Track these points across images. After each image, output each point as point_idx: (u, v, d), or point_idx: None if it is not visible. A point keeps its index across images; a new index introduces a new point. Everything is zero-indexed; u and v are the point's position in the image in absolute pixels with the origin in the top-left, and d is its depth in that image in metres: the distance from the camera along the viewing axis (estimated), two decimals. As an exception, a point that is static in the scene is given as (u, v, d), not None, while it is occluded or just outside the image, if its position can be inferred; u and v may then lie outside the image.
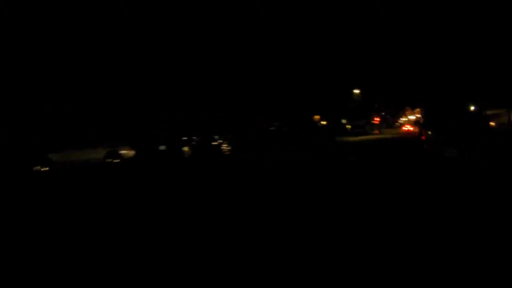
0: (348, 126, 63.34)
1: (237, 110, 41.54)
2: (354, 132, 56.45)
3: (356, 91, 52.23)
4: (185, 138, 30.69)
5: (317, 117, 63.20)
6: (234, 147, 31.26)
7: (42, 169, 20.22)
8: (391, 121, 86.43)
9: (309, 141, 36.03)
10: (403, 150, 22.05)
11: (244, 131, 36.83)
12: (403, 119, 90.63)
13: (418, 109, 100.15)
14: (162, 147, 28.69)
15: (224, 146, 31.77)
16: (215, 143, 31.05)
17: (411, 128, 65.79)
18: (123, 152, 25.79)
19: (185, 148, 29.47)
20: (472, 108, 39.86)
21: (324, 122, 61.71)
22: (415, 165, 14.98)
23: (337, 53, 52.95)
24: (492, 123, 41.57)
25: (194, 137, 31.53)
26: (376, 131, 62.86)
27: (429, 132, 20.91)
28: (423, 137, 21.66)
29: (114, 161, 24.68)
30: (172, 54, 36.83)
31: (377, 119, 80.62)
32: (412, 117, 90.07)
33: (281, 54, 46.97)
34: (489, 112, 42.31)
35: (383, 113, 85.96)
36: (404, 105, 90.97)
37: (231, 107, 40.68)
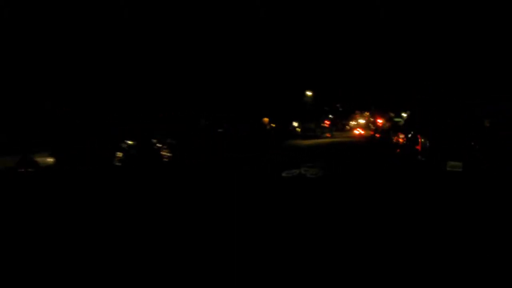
0: (298, 129, 61.55)
1: (179, 110, 38.06)
2: (305, 135, 54.42)
3: (309, 93, 50.08)
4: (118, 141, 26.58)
5: (266, 119, 60.90)
6: (175, 153, 27.32)
7: None
8: (340, 124, 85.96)
9: (256, 145, 33.06)
10: (375, 160, 20.03)
11: (188, 133, 33.21)
12: (353, 122, 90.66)
13: (367, 113, 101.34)
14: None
15: (164, 152, 27.65)
16: (155, 147, 27.07)
17: (363, 132, 66.08)
18: (39, 159, 21.52)
19: (118, 154, 25.41)
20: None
21: (273, 125, 59.52)
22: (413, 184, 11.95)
23: (288, 54, 50.97)
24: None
25: (129, 141, 27.48)
26: (328, 134, 61.32)
27: (422, 140, 17.56)
28: (418, 147, 18.32)
29: (28, 170, 20.44)
30: (103, 49, 32.94)
31: (327, 122, 79.82)
32: (361, 121, 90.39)
33: (230, 53, 44.18)
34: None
35: (331, 116, 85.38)
36: (354, 109, 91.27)
37: (173, 106, 37.24)
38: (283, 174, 11.73)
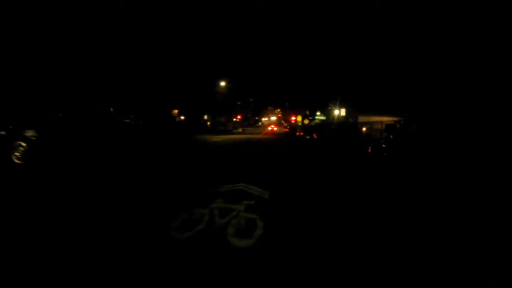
0: (209, 123, 55.97)
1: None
2: (215, 130, 48.77)
3: (222, 83, 44.19)
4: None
5: (175, 111, 54.39)
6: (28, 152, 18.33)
7: None
8: (253, 119, 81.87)
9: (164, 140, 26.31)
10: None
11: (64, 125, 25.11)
12: (265, 118, 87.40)
13: (278, 109, 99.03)
14: None
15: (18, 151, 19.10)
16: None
17: (276, 128, 63.26)
18: None
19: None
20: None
21: (182, 117, 53.18)
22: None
23: (201, 42, 45.09)
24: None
25: None
26: (240, 129, 56.39)
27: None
28: None
29: None
30: None
31: (239, 117, 75.30)
32: (273, 118, 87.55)
33: (141, 39, 37.10)
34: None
35: (244, 111, 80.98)
36: (267, 104, 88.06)
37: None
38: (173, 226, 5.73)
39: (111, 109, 43.35)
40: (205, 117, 50.57)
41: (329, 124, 47.02)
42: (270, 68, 77.96)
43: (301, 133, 40.50)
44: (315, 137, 37.34)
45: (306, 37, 74.53)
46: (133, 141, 20.89)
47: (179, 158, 15.12)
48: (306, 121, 52.33)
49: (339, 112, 50.22)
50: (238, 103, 75.82)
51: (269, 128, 62.91)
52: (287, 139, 38.86)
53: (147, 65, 38.13)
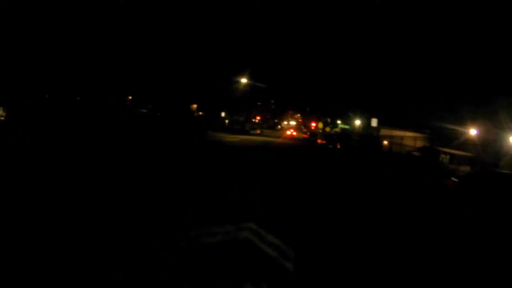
0: (226, 121, 54.87)
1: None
2: (232, 129, 47.67)
3: (243, 80, 42.97)
4: None
5: (194, 106, 53.63)
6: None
7: None
8: (272, 122, 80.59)
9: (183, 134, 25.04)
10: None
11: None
12: (285, 122, 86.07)
13: (298, 114, 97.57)
14: None
15: None
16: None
17: (295, 133, 61.96)
18: None
19: None
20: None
21: (201, 113, 52.35)
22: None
23: (222, 37, 44.17)
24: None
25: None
26: (258, 131, 55.19)
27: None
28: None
29: None
30: None
31: (258, 117, 74.11)
32: (292, 122, 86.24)
33: (162, 31, 36.51)
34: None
35: (263, 113, 79.75)
36: (287, 108, 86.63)
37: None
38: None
39: (129, 97, 42.87)
40: (223, 114, 49.46)
41: (351, 134, 45.57)
42: (293, 72, 76.73)
43: (323, 141, 39.03)
44: (339, 147, 35.89)
45: (331, 43, 73.19)
46: (131, 132, 19.64)
47: (179, 159, 13.28)
48: (327, 129, 51.11)
49: (364, 122, 48.62)
50: (259, 103, 74.71)
51: (288, 133, 61.72)
52: (307, 146, 37.53)
53: (168, 57, 37.39)
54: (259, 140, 35.84)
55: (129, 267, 3.91)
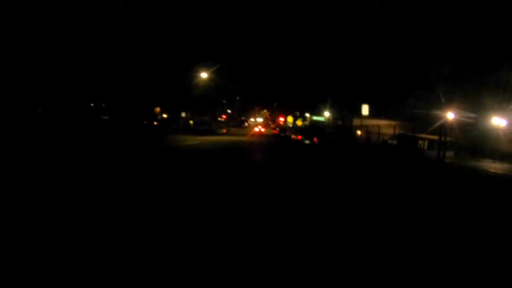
0: (191, 122, 51.70)
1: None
2: (197, 130, 44.51)
3: (203, 74, 39.48)
4: None
5: (158, 109, 50.10)
6: None
7: None
8: (239, 119, 77.61)
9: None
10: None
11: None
12: (252, 119, 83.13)
13: (265, 110, 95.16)
14: None
15: None
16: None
17: (263, 130, 59.46)
18: None
19: None
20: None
21: (165, 116, 48.88)
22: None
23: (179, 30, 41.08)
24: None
25: None
26: (224, 130, 52.12)
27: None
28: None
29: None
30: None
31: (224, 116, 71.07)
32: (259, 119, 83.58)
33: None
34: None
35: (229, 111, 76.71)
36: (254, 104, 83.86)
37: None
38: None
39: (91, 105, 39.42)
40: (183, 114, 46.08)
41: (325, 127, 43.38)
42: (259, 66, 74.17)
43: (299, 137, 36.08)
44: (316, 142, 33.12)
45: (296, 35, 71.14)
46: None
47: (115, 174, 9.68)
48: (299, 122, 48.75)
49: (334, 113, 46.66)
50: (224, 101, 71.74)
51: (256, 130, 58.92)
52: (279, 143, 34.73)
53: (128, 59, 33.92)
54: (224, 139, 32.83)
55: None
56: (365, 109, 42.26)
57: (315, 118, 51.79)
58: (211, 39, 53.86)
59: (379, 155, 26.23)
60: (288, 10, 69.61)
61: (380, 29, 41.10)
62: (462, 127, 33.98)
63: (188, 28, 47.69)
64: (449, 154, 28.47)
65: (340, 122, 48.40)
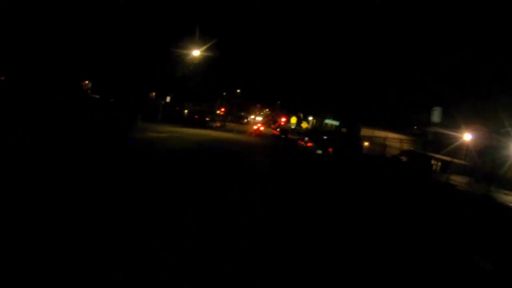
0: (186, 111, 47.84)
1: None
2: (189, 120, 40.90)
3: (195, 52, 35.25)
4: None
5: (153, 94, 46.42)
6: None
7: None
8: (238, 115, 73.57)
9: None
10: None
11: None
12: (252, 116, 79.34)
13: (267, 110, 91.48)
14: None
15: None
16: None
17: (262, 128, 55.71)
18: None
19: None
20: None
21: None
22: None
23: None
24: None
25: None
26: (218, 124, 48.06)
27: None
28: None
29: None
30: None
31: (222, 109, 67.14)
32: (259, 118, 79.83)
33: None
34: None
35: (229, 105, 72.72)
36: (256, 101, 79.97)
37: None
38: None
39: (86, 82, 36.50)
40: (168, 99, 42.13)
41: (332, 133, 39.65)
42: (264, 64, 70.96)
43: (308, 144, 29.66)
44: (331, 152, 27.73)
45: (306, 38, 68.42)
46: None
47: None
48: (304, 125, 44.86)
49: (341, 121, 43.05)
50: (224, 93, 67.91)
51: (255, 127, 55.10)
52: (281, 146, 30.92)
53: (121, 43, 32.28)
54: (210, 137, 28.75)
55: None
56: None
57: (327, 121, 47.67)
58: (211, 39, 51.05)
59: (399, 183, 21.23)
60: (288, 10, 67.79)
61: (393, 41, 39.16)
62: (482, 150, 30.22)
63: (188, 28, 44.84)
64: (456, 177, 24.44)
65: (344, 130, 44.67)
